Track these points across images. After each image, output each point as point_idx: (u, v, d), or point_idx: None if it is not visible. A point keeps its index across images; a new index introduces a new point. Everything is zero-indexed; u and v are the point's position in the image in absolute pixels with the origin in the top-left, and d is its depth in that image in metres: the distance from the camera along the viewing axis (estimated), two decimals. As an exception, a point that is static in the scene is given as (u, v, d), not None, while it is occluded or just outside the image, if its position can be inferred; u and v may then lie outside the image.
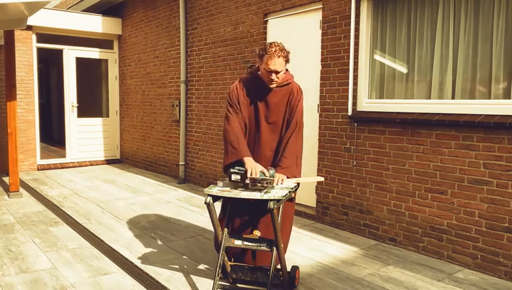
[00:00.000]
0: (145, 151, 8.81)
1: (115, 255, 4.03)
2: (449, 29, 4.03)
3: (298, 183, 3.29)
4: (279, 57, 3.11)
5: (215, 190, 2.99)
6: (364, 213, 4.63)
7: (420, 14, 4.25)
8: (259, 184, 2.91)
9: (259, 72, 3.33)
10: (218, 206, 3.40)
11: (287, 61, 3.20)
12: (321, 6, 5.01)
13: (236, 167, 3.02)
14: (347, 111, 4.73)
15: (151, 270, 3.67)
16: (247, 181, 2.93)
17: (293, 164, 3.25)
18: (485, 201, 3.67)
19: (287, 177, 3.21)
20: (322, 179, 3.54)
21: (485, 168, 3.66)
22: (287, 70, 3.37)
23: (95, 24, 9.07)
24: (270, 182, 2.92)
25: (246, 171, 2.97)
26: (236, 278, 3.31)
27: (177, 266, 3.77)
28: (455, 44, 3.99)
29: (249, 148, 3.26)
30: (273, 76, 3.18)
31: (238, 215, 3.38)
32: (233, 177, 2.93)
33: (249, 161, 3.08)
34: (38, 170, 8.66)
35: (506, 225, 3.55)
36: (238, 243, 3.08)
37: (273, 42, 3.19)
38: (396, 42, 4.47)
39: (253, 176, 2.95)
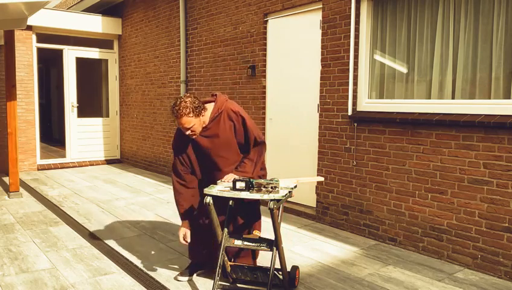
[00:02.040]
0: (145, 151, 8.81)
1: (115, 255, 4.03)
2: (449, 29, 4.03)
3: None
4: (181, 116, 3.08)
5: (215, 190, 2.99)
6: (364, 213, 4.63)
7: (420, 14, 4.25)
8: (264, 189, 2.92)
9: None
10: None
11: (197, 114, 3.13)
12: (321, 6, 5.01)
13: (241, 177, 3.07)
14: (347, 111, 4.73)
15: (151, 270, 3.67)
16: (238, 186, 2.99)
17: (249, 170, 3.29)
18: (485, 201, 3.67)
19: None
20: (322, 179, 3.54)
21: (485, 168, 3.66)
22: (207, 100, 3.34)
23: (95, 24, 9.07)
24: (275, 186, 2.93)
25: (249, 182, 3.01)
26: (236, 278, 3.31)
27: (177, 266, 3.77)
28: (455, 44, 3.99)
29: (209, 181, 3.39)
30: (188, 132, 3.18)
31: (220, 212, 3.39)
32: (238, 185, 2.94)
33: (183, 226, 3.39)
34: (38, 170, 8.67)
35: (506, 225, 3.55)
36: (238, 243, 3.09)
37: (179, 98, 3.14)
38: (396, 42, 4.47)
39: (181, 240, 3.37)
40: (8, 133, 6.24)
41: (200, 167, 3.41)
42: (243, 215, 3.42)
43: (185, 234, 3.38)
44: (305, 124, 5.39)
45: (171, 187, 7.05)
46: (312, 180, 3.29)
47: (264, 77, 5.89)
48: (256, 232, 3.24)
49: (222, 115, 3.30)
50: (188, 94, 3.19)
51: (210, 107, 3.31)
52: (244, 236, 3.14)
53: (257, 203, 3.49)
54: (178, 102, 3.11)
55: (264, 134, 5.88)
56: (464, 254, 3.81)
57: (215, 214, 3.07)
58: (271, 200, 2.84)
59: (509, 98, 3.63)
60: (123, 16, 9.33)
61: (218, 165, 3.36)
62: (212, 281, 3.41)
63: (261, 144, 3.37)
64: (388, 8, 4.52)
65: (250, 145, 3.34)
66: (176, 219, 5.23)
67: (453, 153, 3.87)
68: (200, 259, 3.55)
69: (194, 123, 3.15)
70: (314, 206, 5.23)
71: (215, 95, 3.39)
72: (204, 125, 3.27)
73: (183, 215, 3.39)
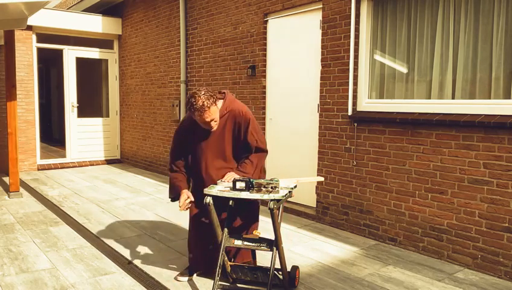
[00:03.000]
0: (145, 151, 8.81)
1: (115, 255, 4.03)
2: (449, 29, 4.03)
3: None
4: (209, 108, 3.04)
5: (214, 190, 2.99)
6: (364, 213, 4.63)
7: (420, 14, 4.25)
8: (264, 189, 2.92)
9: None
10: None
11: (215, 101, 3.10)
12: (321, 6, 5.01)
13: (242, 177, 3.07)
14: (347, 111, 4.73)
15: (151, 270, 3.67)
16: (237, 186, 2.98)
17: (249, 171, 3.28)
18: (485, 201, 3.67)
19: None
20: (322, 179, 3.54)
21: (485, 168, 3.66)
22: (223, 96, 3.33)
23: (95, 24, 9.07)
24: (275, 187, 2.93)
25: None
26: (236, 278, 3.31)
27: (177, 266, 3.77)
28: (455, 44, 3.99)
29: (200, 180, 3.36)
30: (212, 123, 3.15)
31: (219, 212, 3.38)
32: (238, 185, 2.94)
33: (182, 194, 3.24)
34: (38, 170, 8.67)
35: (506, 225, 3.55)
36: (238, 243, 3.09)
37: (195, 94, 3.06)
38: (396, 42, 4.47)
39: (181, 206, 3.18)
40: (8, 133, 6.24)
41: (192, 161, 3.39)
42: (241, 215, 3.42)
43: (188, 197, 3.22)
44: (305, 124, 5.39)
45: (171, 187, 7.07)
46: (312, 181, 3.29)
47: (264, 77, 5.89)
48: (256, 232, 3.23)
49: (229, 115, 3.30)
50: (198, 88, 3.15)
51: (219, 104, 3.28)
52: (244, 236, 3.14)
53: (257, 204, 3.48)
54: (198, 97, 3.02)
55: (264, 134, 5.87)
56: (464, 254, 3.81)
57: (215, 214, 3.07)
58: (271, 200, 2.84)
59: (509, 98, 3.63)
60: (123, 16, 9.33)
61: (206, 163, 3.33)
62: (212, 281, 3.41)
63: (262, 152, 3.35)
64: (388, 8, 4.52)
65: (252, 149, 3.32)
66: (176, 219, 5.23)
67: (453, 153, 3.87)
68: (199, 264, 3.53)
69: (216, 112, 3.14)
70: (314, 206, 5.23)
71: (223, 92, 3.37)
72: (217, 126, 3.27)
73: (181, 187, 3.32)
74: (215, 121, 3.15)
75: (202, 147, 3.33)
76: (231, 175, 3.21)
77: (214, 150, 3.33)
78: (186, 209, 3.24)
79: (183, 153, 3.40)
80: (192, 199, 3.25)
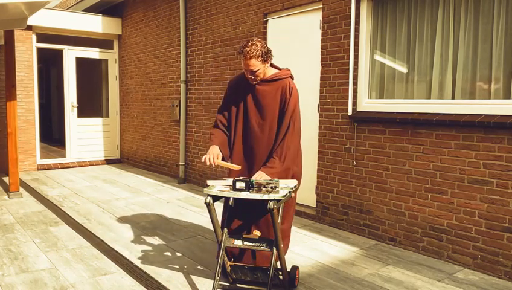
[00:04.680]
0: (145, 151, 8.81)
1: (114, 255, 4.03)
2: (449, 29, 4.03)
3: (299, 184, 3.28)
4: (251, 58, 3.14)
5: (215, 190, 2.99)
6: (364, 213, 4.63)
7: (420, 14, 4.25)
8: (264, 189, 2.92)
9: None
10: (217, 206, 3.40)
11: (264, 60, 3.20)
12: (321, 6, 5.01)
13: (242, 177, 3.03)
14: (347, 111, 4.73)
15: (151, 270, 3.67)
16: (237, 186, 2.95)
17: (277, 165, 3.20)
18: (485, 201, 3.67)
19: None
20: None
21: (485, 168, 3.66)
22: (273, 65, 3.38)
23: (95, 24, 9.07)
24: (275, 186, 2.92)
25: (249, 180, 2.97)
26: (236, 278, 3.31)
27: (177, 266, 3.77)
28: (455, 44, 3.99)
29: (240, 146, 3.38)
30: (251, 75, 3.24)
31: (238, 216, 3.38)
32: (238, 185, 2.94)
33: (211, 148, 3.27)
34: (38, 170, 8.67)
35: (506, 225, 3.55)
36: (238, 243, 3.09)
37: (250, 41, 3.19)
38: (396, 42, 4.47)
39: (207, 161, 3.17)
40: (8, 133, 6.24)
41: (236, 127, 3.40)
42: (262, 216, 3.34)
43: (210, 152, 3.22)
44: (305, 124, 5.38)
45: (171, 187, 7.07)
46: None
47: (264, 77, 5.88)
48: (256, 232, 3.23)
49: (279, 84, 3.32)
50: (258, 39, 3.22)
51: (272, 70, 3.35)
52: (244, 236, 3.14)
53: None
54: (250, 43, 3.15)
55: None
56: (464, 254, 3.81)
57: (215, 214, 3.07)
58: (271, 200, 2.84)
59: (509, 98, 3.63)
60: (123, 16, 9.33)
61: (253, 133, 3.32)
62: (212, 281, 3.41)
63: (290, 134, 3.24)
64: (388, 8, 4.52)
65: (281, 131, 3.26)
66: (176, 219, 5.23)
67: (453, 153, 3.87)
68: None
69: (259, 68, 3.20)
70: (314, 206, 5.23)
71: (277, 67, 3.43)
72: (263, 78, 3.30)
73: (212, 142, 3.34)
74: (256, 75, 3.22)
75: (252, 108, 3.35)
76: (260, 174, 3.14)
77: (263, 114, 3.32)
78: (209, 164, 3.22)
79: (228, 113, 3.43)
80: (219, 158, 3.23)
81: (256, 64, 3.17)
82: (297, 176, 3.40)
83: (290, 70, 3.41)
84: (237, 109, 3.41)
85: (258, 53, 3.15)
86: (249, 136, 3.38)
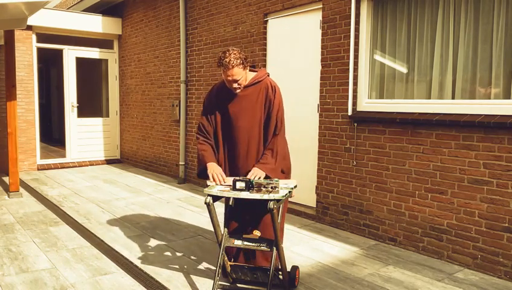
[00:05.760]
0: (145, 151, 8.81)
1: (114, 255, 4.03)
2: (449, 29, 4.03)
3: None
4: (233, 67, 3.13)
5: (215, 190, 2.99)
6: (364, 213, 4.63)
7: (420, 14, 4.25)
8: (264, 189, 2.92)
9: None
10: (217, 206, 3.40)
11: (245, 66, 3.20)
12: (321, 6, 5.01)
13: (242, 177, 3.04)
14: (347, 111, 4.73)
15: (151, 270, 3.67)
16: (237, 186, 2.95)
17: (271, 161, 3.26)
18: (485, 201, 3.67)
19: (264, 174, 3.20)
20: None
21: (485, 168, 3.66)
22: (253, 69, 3.40)
23: (95, 24, 9.07)
24: (275, 186, 2.92)
25: (248, 179, 2.97)
26: (236, 278, 3.31)
27: (177, 266, 3.77)
28: (455, 44, 3.99)
29: (226, 151, 3.38)
30: (235, 84, 3.23)
31: (239, 216, 3.38)
32: (238, 185, 2.94)
33: (210, 166, 3.23)
34: (38, 170, 8.66)
35: (506, 225, 3.55)
36: (238, 243, 3.08)
37: (227, 51, 3.18)
38: (396, 42, 4.47)
39: (217, 182, 3.13)
40: (8, 133, 6.24)
41: (222, 135, 3.40)
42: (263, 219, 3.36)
43: (216, 171, 3.17)
44: (305, 124, 5.39)
45: (171, 187, 7.07)
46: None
47: (264, 77, 5.88)
48: (256, 232, 3.23)
49: (260, 85, 3.33)
50: (232, 48, 3.23)
51: (251, 74, 3.36)
52: (244, 236, 3.14)
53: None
54: (227, 54, 3.14)
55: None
56: (464, 254, 3.81)
57: (215, 214, 3.07)
58: (271, 200, 2.84)
59: (509, 98, 3.63)
60: (123, 16, 9.33)
61: (237, 138, 3.33)
62: (212, 281, 3.41)
63: (279, 131, 3.30)
64: (388, 8, 4.52)
65: (270, 130, 3.31)
66: (176, 219, 5.23)
67: (453, 153, 3.87)
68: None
69: (242, 76, 3.20)
70: (314, 206, 5.23)
71: (253, 66, 3.41)
72: (240, 91, 3.30)
73: (209, 159, 3.29)
74: (238, 84, 3.22)
75: (235, 114, 3.34)
76: (256, 171, 3.17)
77: (246, 118, 3.32)
78: (219, 182, 3.15)
79: (213, 120, 3.41)
80: (224, 175, 3.19)
81: (238, 72, 3.17)
82: (287, 169, 3.46)
83: (265, 70, 3.43)
84: (221, 116, 3.40)
85: (238, 61, 3.14)
86: (235, 141, 3.37)
